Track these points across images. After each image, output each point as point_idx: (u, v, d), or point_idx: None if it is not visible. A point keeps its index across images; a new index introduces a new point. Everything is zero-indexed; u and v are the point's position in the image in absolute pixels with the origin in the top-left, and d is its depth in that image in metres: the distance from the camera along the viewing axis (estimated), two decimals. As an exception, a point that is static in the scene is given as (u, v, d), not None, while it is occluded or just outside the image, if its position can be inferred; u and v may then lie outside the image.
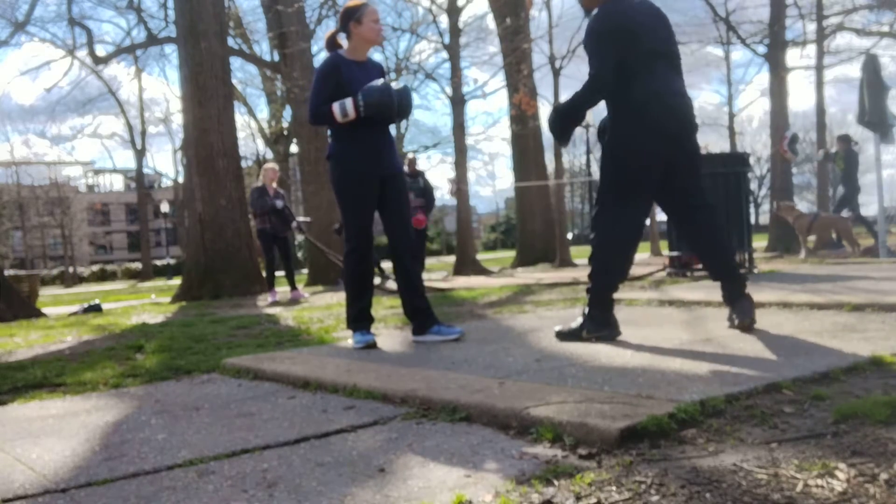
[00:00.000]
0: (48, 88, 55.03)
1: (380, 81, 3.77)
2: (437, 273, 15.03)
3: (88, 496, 1.75)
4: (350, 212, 3.88)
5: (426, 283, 9.46)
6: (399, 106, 3.77)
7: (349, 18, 3.86)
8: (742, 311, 3.40)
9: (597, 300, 3.42)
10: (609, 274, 3.44)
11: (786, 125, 15.62)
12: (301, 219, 9.39)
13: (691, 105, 3.50)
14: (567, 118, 3.55)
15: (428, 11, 17.16)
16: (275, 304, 8.27)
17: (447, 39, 14.91)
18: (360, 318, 3.87)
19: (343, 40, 3.93)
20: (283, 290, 9.49)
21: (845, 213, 11.45)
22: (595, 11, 3.41)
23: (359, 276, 3.90)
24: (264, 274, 9.34)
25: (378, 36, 3.92)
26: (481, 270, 13.76)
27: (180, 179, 37.92)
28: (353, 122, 3.75)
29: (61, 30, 46.32)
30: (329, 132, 3.95)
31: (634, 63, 3.31)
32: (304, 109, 13.87)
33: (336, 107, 3.71)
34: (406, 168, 10.25)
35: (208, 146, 10.79)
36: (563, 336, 3.47)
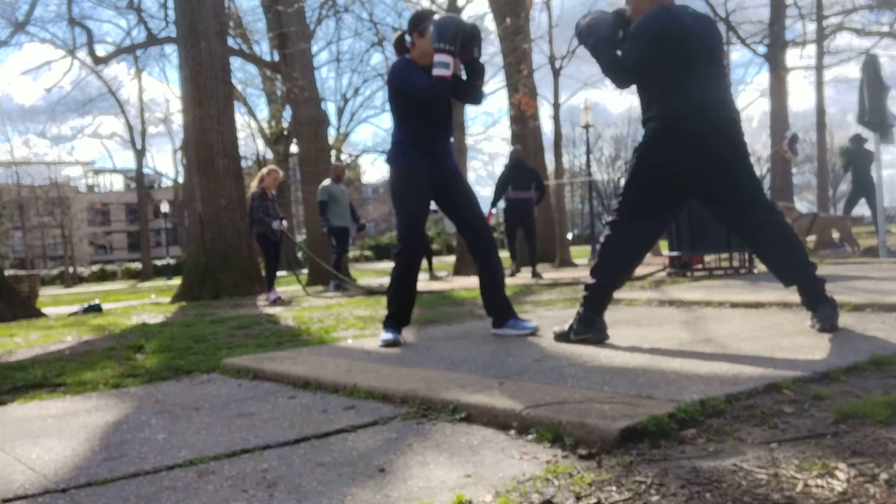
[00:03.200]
0: (48, 88, 55.12)
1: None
2: (436, 273, 15.01)
3: (88, 496, 1.75)
4: (402, 213, 3.92)
5: (425, 285, 9.47)
6: (471, 26, 3.75)
7: (414, 28, 3.89)
8: (824, 317, 3.22)
9: (589, 301, 3.41)
10: (608, 277, 3.42)
11: (786, 125, 15.63)
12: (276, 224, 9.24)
13: (732, 117, 3.33)
14: (589, 48, 3.41)
15: (428, 11, 17.14)
16: (278, 301, 8.29)
17: (447, 39, 14.87)
18: (392, 316, 3.91)
19: (409, 42, 3.96)
20: (281, 289, 9.50)
21: (857, 213, 11.46)
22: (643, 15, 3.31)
23: (402, 277, 3.92)
24: (265, 275, 9.36)
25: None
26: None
27: (180, 179, 37.93)
28: (413, 127, 3.83)
29: (61, 30, 46.53)
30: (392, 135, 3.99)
31: (677, 71, 3.22)
32: (303, 109, 13.93)
33: (437, 70, 3.66)
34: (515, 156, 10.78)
35: (208, 146, 10.79)
36: (560, 337, 3.47)
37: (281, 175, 9.44)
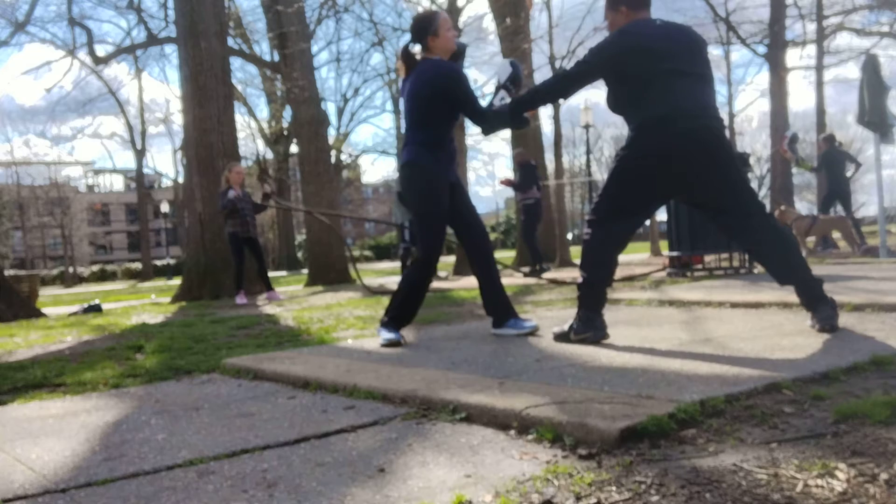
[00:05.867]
0: (48, 88, 55.16)
1: (507, 70, 3.81)
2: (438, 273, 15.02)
3: (88, 496, 1.75)
4: (429, 216, 3.89)
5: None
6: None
7: (425, 33, 3.86)
8: (824, 317, 3.21)
9: (584, 299, 3.45)
10: (595, 273, 3.44)
11: (786, 125, 15.64)
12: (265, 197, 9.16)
13: (713, 125, 3.34)
14: (527, 106, 3.71)
15: (428, 12, 17.14)
16: (244, 305, 8.33)
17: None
18: (396, 318, 3.91)
19: (417, 51, 3.93)
20: (282, 289, 9.51)
21: (836, 212, 11.48)
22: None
23: (417, 284, 3.93)
24: (234, 276, 9.16)
25: (454, 43, 3.93)
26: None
27: (180, 179, 37.96)
28: (439, 131, 3.87)
29: (61, 30, 46.47)
30: (407, 137, 3.95)
31: (649, 82, 3.26)
32: (303, 109, 13.91)
33: (497, 101, 3.74)
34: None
35: (208, 146, 10.79)
36: (559, 337, 3.48)
37: (241, 167, 9.31)
